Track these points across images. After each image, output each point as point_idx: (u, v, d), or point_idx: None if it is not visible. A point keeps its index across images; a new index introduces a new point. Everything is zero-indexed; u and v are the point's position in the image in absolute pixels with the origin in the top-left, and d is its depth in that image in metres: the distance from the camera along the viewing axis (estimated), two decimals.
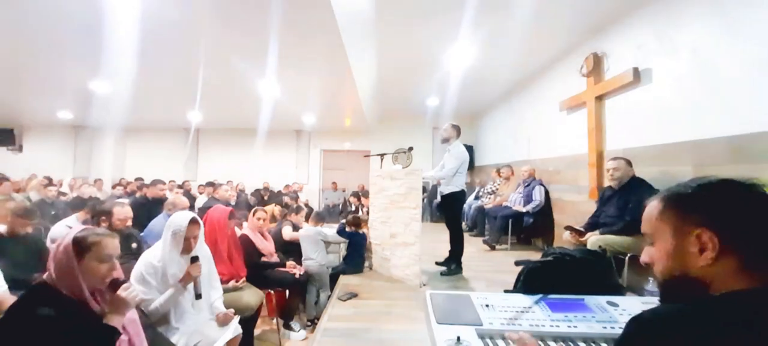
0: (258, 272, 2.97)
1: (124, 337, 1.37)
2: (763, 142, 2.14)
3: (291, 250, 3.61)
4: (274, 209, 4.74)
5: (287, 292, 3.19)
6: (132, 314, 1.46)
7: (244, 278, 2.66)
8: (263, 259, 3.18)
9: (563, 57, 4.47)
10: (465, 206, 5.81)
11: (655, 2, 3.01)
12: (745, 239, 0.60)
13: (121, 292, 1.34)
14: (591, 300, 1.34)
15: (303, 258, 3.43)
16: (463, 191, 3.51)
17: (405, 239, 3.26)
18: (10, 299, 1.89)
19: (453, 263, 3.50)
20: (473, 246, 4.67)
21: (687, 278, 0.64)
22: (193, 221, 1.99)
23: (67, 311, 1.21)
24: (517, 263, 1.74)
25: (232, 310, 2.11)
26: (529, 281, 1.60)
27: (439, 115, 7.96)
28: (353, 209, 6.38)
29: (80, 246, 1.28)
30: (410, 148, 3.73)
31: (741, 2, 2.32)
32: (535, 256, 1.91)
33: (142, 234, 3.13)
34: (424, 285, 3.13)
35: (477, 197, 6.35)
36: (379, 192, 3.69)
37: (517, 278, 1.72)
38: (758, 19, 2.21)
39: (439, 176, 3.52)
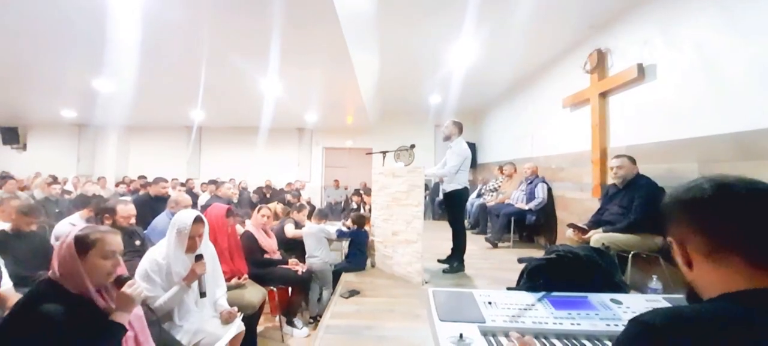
0: (261, 269, 2.98)
1: (130, 333, 1.38)
2: None
3: (293, 248, 3.63)
4: (276, 206, 4.75)
5: (290, 289, 3.20)
6: (138, 311, 1.47)
7: (245, 275, 2.67)
8: (266, 256, 3.19)
9: (566, 53, 4.44)
10: (467, 203, 5.80)
11: None
12: (735, 241, 0.60)
13: (126, 288, 1.35)
14: (594, 298, 1.34)
15: (306, 255, 3.44)
16: (466, 188, 3.49)
17: (407, 237, 3.27)
18: (15, 296, 1.91)
19: (455, 261, 3.49)
20: (475, 244, 4.67)
21: (687, 282, 0.68)
22: (197, 220, 2.00)
23: (74, 307, 1.22)
24: (520, 261, 1.74)
25: (236, 308, 2.12)
26: (532, 279, 1.60)
27: (441, 113, 7.93)
28: (355, 206, 6.38)
29: (82, 243, 1.29)
30: (412, 146, 3.71)
31: None
32: (538, 254, 1.91)
33: (145, 232, 3.15)
34: (426, 283, 3.13)
35: (479, 195, 6.34)
36: (381, 190, 3.69)
37: (520, 275, 1.72)
38: (763, 15, 2.18)
39: (440, 174, 3.50)
